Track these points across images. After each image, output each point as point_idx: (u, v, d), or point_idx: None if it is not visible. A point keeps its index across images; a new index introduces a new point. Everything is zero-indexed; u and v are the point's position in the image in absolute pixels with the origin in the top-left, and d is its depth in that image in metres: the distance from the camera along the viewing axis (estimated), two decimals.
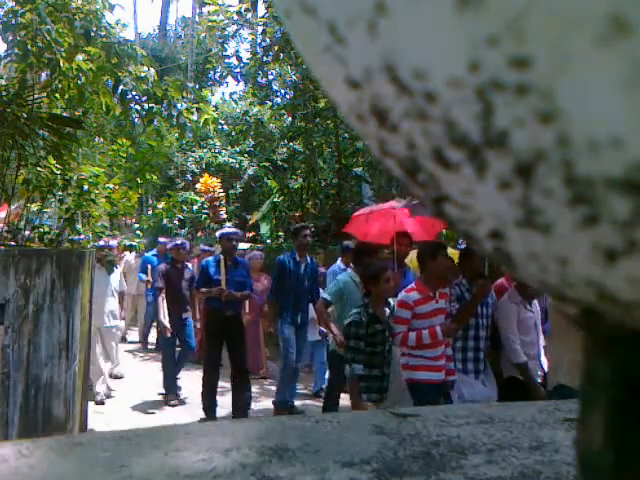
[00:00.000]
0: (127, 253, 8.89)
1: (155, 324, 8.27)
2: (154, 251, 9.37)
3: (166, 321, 6.18)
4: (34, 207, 5.04)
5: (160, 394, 6.35)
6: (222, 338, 5.62)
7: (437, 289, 3.91)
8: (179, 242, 6.70)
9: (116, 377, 6.99)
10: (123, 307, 6.71)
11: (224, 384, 6.81)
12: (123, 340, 8.90)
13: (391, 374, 3.89)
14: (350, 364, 3.79)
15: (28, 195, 4.79)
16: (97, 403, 5.91)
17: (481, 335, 4.14)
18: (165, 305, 6.24)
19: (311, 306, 5.70)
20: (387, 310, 3.96)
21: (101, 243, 6.56)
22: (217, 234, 6.08)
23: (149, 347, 9.22)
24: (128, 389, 6.67)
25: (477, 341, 4.13)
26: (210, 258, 5.96)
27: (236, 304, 5.76)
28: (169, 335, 6.21)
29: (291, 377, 5.72)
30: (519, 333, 4.05)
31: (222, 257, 5.67)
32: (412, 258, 5.08)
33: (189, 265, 6.83)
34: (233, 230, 6.06)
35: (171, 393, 6.25)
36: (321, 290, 5.69)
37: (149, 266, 8.68)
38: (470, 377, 4.11)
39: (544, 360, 4.05)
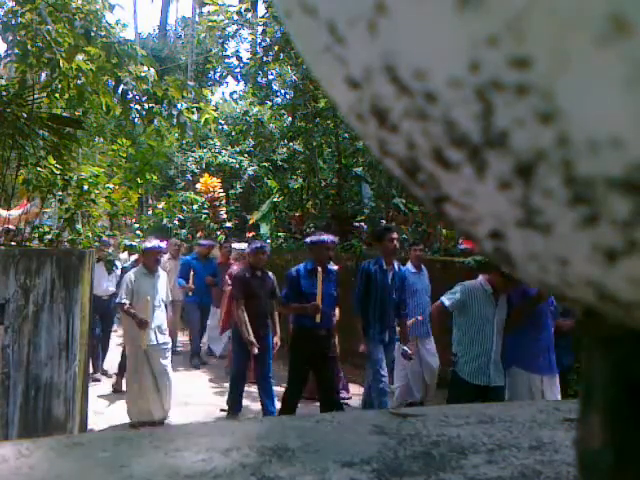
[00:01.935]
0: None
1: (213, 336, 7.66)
2: (193, 254, 8.48)
3: (251, 336, 5.19)
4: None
5: (222, 410, 5.57)
6: (310, 360, 4.81)
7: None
8: (258, 245, 5.63)
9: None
10: (170, 321, 5.73)
11: (224, 384, 6.81)
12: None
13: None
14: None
15: (28, 195, 4.80)
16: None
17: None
18: (246, 318, 5.25)
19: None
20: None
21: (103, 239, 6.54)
22: (308, 240, 5.05)
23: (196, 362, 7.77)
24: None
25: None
26: (300, 267, 5.02)
27: (330, 322, 4.89)
28: (256, 351, 5.21)
29: (382, 404, 4.77)
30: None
31: (318, 267, 4.76)
32: None
33: (270, 273, 5.78)
34: (329, 238, 4.99)
35: (234, 412, 5.40)
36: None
37: (192, 272, 7.69)
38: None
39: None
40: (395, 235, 4.92)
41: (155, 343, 5.26)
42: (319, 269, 4.74)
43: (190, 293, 7.45)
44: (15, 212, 5.26)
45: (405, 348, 5.05)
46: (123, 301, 5.26)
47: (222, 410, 5.56)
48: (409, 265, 5.61)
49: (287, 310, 5.12)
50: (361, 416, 0.94)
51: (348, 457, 0.70)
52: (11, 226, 5.13)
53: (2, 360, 3.27)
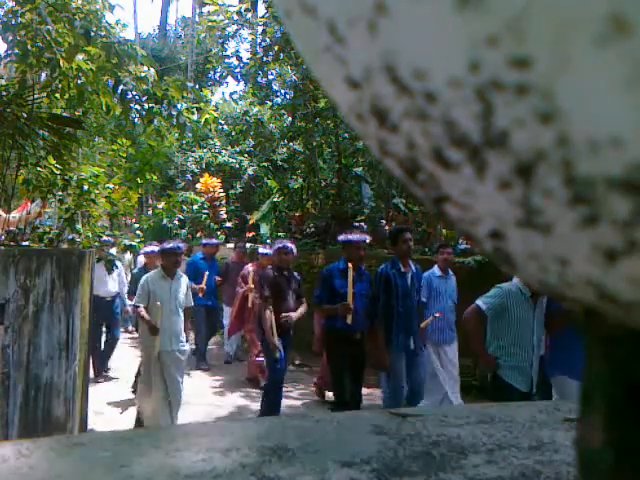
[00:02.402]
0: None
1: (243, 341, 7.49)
2: (199, 254, 8.12)
3: (275, 338, 5.04)
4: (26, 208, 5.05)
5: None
6: (349, 361, 4.56)
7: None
8: (280, 245, 5.47)
9: None
10: (188, 327, 5.48)
11: (224, 384, 6.82)
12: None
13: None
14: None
15: (28, 195, 4.80)
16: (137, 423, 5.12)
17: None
18: (273, 319, 5.07)
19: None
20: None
21: (103, 239, 6.48)
22: (339, 239, 4.91)
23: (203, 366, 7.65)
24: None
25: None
26: (333, 266, 4.88)
27: (364, 324, 4.65)
28: (278, 355, 5.05)
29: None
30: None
31: (350, 266, 4.60)
32: None
33: (295, 273, 5.59)
34: (360, 237, 4.84)
35: None
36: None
37: (206, 273, 7.34)
38: None
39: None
40: (409, 235, 4.74)
41: (170, 350, 5.00)
42: (350, 266, 4.58)
43: (201, 294, 7.07)
44: (17, 214, 5.24)
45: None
46: (139, 304, 5.06)
47: None
48: (435, 268, 5.37)
49: (319, 311, 4.91)
50: (361, 416, 0.94)
51: (348, 457, 0.70)
52: (12, 228, 5.12)
53: (2, 360, 3.27)
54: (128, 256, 9.95)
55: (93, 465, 0.67)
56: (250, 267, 6.95)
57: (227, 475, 0.65)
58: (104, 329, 7.28)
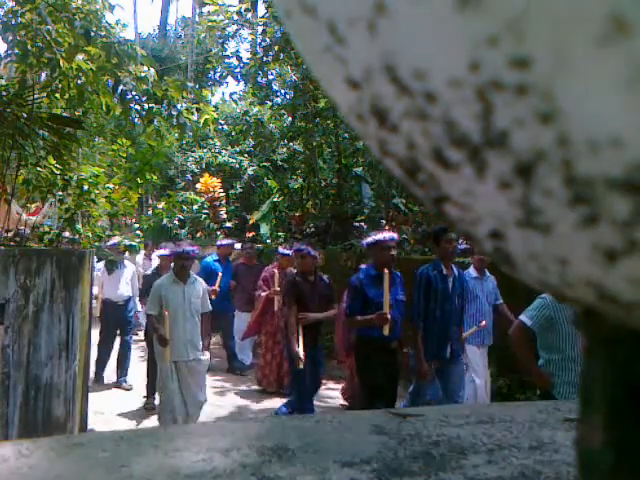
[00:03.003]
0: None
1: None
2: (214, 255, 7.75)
3: (300, 349, 4.65)
4: (34, 207, 5.05)
5: None
6: (385, 374, 4.24)
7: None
8: (296, 247, 5.11)
9: None
10: (208, 334, 5.13)
11: (224, 384, 6.82)
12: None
13: None
14: None
15: (28, 195, 4.80)
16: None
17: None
18: (300, 328, 4.71)
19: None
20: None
21: (114, 241, 6.40)
22: (365, 243, 4.49)
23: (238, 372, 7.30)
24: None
25: None
26: (361, 273, 4.47)
27: (399, 333, 4.33)
28: (301, 366, 4.65)
29: None
30: None
31: (386, 272, 4.19)
32: None
33: (325, 277, 5.14)
34: (388, 235, 4.43)
35: None
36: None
37: (220, 274, 7.01)
38: None
39: None
40: (453, 236, 4.33)
41: (186, 359, 4.66)
42: (386, 272, 4.16)
43: (214, 297, 6.53)
44: (35, 217, 5.23)
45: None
46: (150, 312, 4.75)
47: None
48: (471, 269, 5.03)
49: (352, 324, 4.46)
50: (361, 416, 0.94)
51: (348, 457, 0.70)
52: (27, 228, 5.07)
53: (2, 360, 3.27)
54: (141, 258, 9.86)
55: (93, 465, 0.67)
56: (272, 269, 6.62)
57: (227, 475, 0.65)
58: (117, 333, 6.94)
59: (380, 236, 4.38)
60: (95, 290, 6.72)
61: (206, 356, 4.88)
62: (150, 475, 0.64)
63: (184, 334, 4.67)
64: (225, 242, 7.89)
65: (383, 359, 4.18)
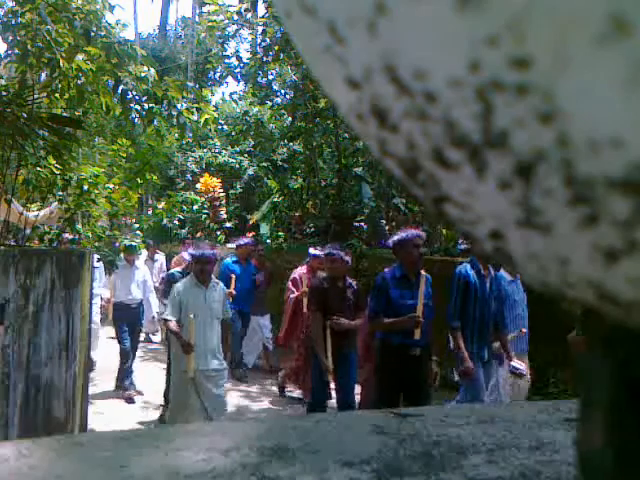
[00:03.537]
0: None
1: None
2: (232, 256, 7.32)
3: (328, 359, 4.35)
4: (34, 207, 5.04)
5: None
6: (401, 386, 3.98)
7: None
8: (328, 251, 4.73)
9: None
10: (228, 342, 4.85)
11: (225, 384, 6.81)
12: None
13: None
14: None
15: (28, 195, 4.80)
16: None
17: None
18: (329, 334, 4.39)
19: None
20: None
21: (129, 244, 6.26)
22: (392, 240, 4.22)
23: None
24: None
25: None
26: (386, 273, 4.21)
27: (427, 339, 4.08)
28: (329, 378, 4.42)
29: None
30: None
31: (423, 273, 4.03)
32: None
33: (353, 283, 4.84)
34: (415, 232, 4.16)
35: None
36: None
37: (233, 276, 6.67)
38: None
39: None
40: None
41: (205, 368, 4.41)
42: (423, 273, 3.98)
43: (231, 299, 6.26)
44: (42, 212, 5.23)
45: (516, 365, 4.31)
46: (168, 317, 4.48)
47: None
48: (503, 272, 4.70)
49: (378, 326, 4.15)
50: (361, 416, 0.94)
51: (348, 457, 0.70)
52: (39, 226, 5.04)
53: (2, 360, 3.27)
54: (161, 258, 9.76)
55: (93, 465, 0.67)
56: (302, 270, 6.38)
57: (227, 475, 0.65)
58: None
59: (407, 234, 4.13)
60: (107, 293, 6.61)
61: (225, 365, 4.63)
62: (150, 475, 0.64)
63: (204, 341, 4.41)
64: (244, 241, 7.38)
65: (402, 367, 3.92)
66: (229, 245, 10.01)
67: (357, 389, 4.87)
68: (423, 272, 4.01)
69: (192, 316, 4.34)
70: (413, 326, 3.87)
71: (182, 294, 4.50)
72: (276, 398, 6.32)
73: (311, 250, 6.42)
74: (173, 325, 4.45)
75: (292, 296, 6.33)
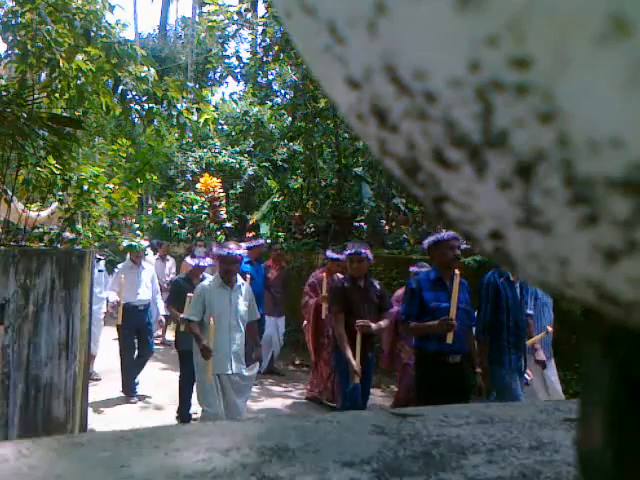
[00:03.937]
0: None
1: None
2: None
3: (357, 362, 4.20)
4: (34, 207, 5.04)
5: None
6: (445, 395, 3.59)
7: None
8: (351, 250, 4.46)
9: None
10: (257, 343, 4.72)
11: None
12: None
13: None
14: None
15: (28, 195, 4.80)
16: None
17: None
18: (358, 337, 4.23)
19: None
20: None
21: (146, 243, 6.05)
22: (427, 242, 4.07)
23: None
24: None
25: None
26: (421, 276, 4.11)
27: (466, 345, 3.89)
28: (357, 381, 4.22)
29: None
30: None
31: (457, 273, 3.87)
32: None
33: (376, 283, 4.68)
34: (449, 234, 3.94)
35: None
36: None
37: (249, 276, 6.24)
38: None
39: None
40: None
41: (229, 373, 4.27)
42: (457, 272, 3.82)
43: None
44: (44, 213, 5.23)
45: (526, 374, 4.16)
46: (191, 318, 4.35)
47: None
48: None
49: (409, 331, 4.04)
50: (361, 416, 0.94)
51: (348, 457, 0.70)
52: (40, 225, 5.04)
53: (2, 360, 3.27)
54: (170, 261, 9.74)
55: (93, 465, 0.67)
56: (320, 274, 6.16)
57: (227, 475, 0.65)
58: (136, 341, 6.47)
59: (442, 235, 3.95)
60: (115, 296, 6.41)
61: (253, 371, 4.45)
62: (150, 475, 0.64)
63: (229, 345, 4.28)
64: (255, 243, 7.17)
65: (442, 375, 3.72)
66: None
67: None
68: (457, 273, 3.85)
69: (212, 321, 4.24)
70: (445, 329, 3.71)
71: (207, 294, 4.36)
72: (277, 398, 6.32)
73: (329, 252, 6.21)
74: (196, 328, 4.32)
75: (311, 302, 6.16)
